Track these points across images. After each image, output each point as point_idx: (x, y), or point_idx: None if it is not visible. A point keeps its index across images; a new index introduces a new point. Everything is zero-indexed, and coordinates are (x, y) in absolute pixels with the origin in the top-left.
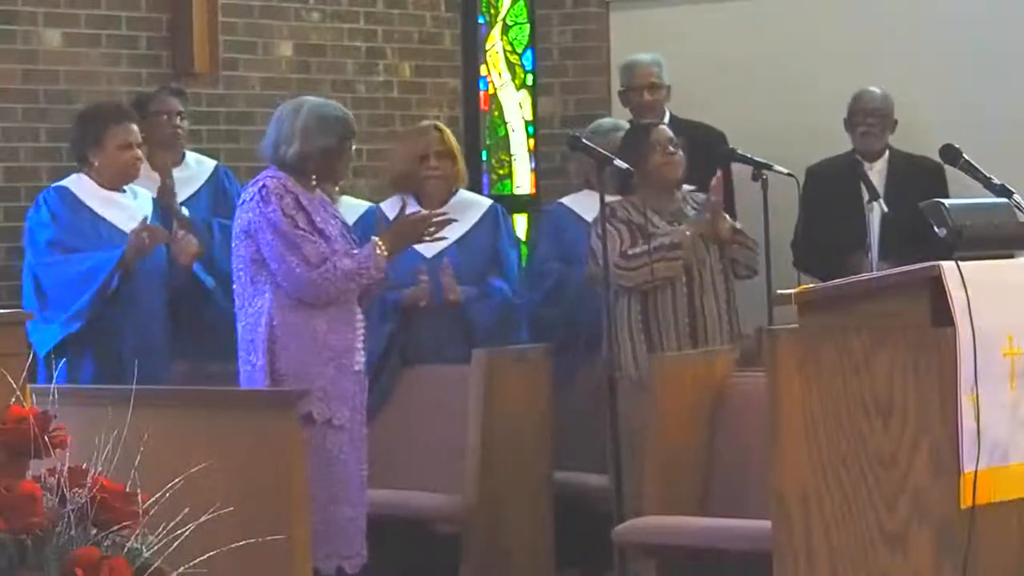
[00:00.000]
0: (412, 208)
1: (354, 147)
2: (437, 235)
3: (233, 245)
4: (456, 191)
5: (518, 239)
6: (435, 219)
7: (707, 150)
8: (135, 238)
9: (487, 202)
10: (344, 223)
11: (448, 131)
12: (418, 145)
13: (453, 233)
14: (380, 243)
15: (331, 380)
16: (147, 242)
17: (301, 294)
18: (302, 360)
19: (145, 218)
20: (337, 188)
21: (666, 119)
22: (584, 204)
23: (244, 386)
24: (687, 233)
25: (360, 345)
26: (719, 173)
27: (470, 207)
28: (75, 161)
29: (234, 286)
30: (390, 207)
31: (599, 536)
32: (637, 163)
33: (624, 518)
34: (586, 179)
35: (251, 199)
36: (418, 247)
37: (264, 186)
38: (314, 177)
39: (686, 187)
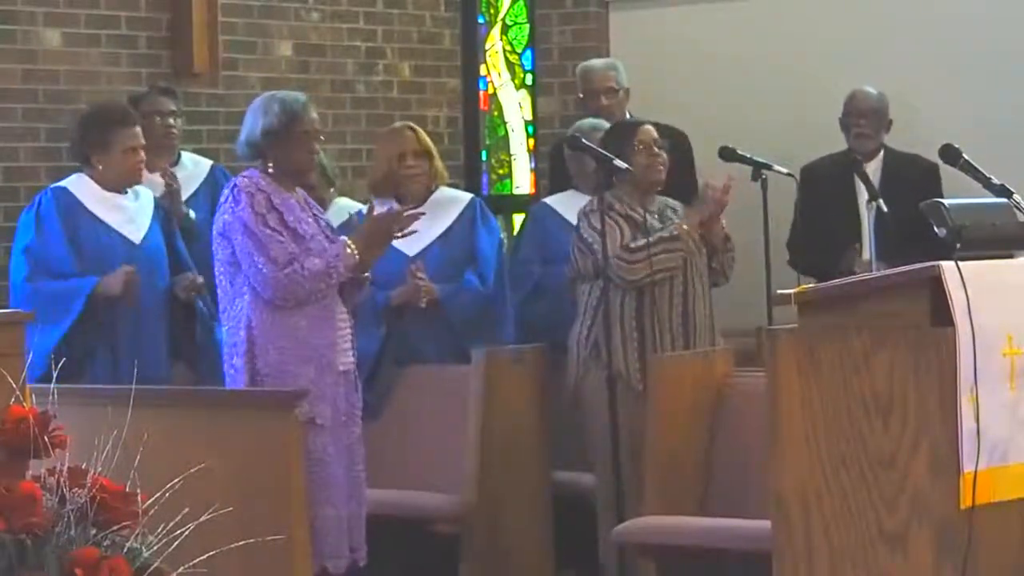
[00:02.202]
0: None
1: (314, 136)
2: (408, 231)
3: (213, 248)
4: (435, 189)
5: (499, 232)
6: (403, 215)
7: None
8: (121, 282)
9: (467, 196)
10: (328, 223)
11: (421, 131)
12: (395, 145)
13: (435, 230)
14: (350, 243)
15: (312, 380)
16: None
17: (269, 294)
18: (282, 360)
19: (132, 269)
20: (333, 189)
21: None
22: (568, 204)
23: (233, 385)
24: (684, 227)
25: (347, 345)
26: (728, 176)
27: (450, 203)
28: (76, 161)
29: (217, 290)
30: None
31: (598, 536)
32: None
33: (624, 518)
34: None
35: (225, 200)
36: (401, 246)
37: (235, 185)
38: (270, 166)
39: (669, 200)
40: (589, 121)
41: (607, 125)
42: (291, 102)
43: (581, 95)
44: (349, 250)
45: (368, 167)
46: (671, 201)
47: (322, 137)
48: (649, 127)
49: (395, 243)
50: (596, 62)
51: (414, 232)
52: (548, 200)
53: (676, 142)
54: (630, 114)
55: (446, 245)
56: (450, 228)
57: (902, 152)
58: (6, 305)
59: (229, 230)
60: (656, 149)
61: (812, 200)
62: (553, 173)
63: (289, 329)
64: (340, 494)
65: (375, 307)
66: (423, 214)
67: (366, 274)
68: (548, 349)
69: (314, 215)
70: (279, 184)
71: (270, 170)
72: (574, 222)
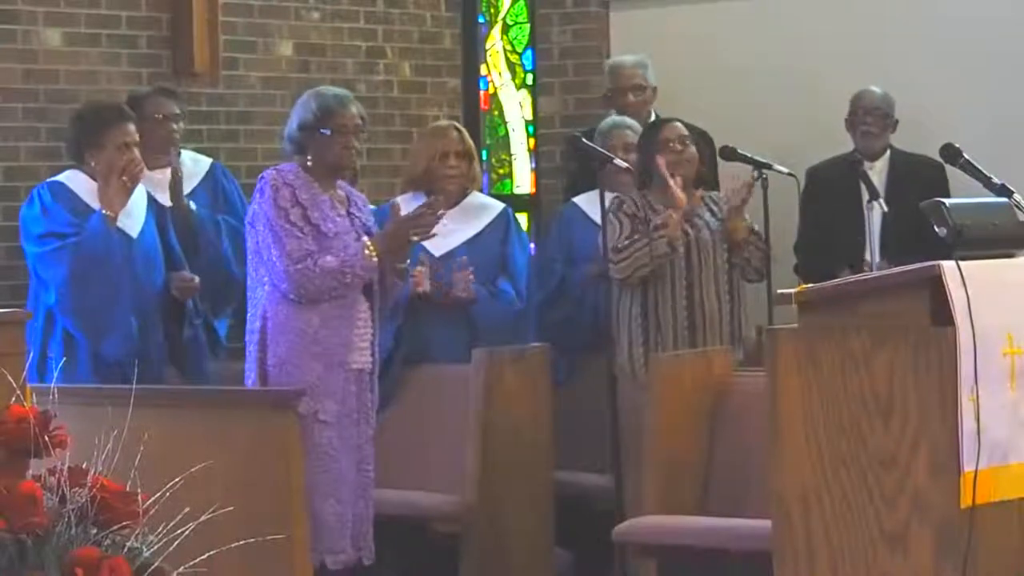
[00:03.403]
0: (406, 209)
1: (352, 132)
2: (428, 235)
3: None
4: (469, 192)
5: (528, 244)
6: (425, 218)
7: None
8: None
9: (499, 205)
10: (364, 223)
11: (466, 132)
12: (439, 144)
13: (464, 234)
14: (370, 244)
15: (319, 376)
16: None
17: (284, 288)
18: (290, 353)
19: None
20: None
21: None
22: (596, 203)
23: (247, 376)
24: (673, 215)
25: (364, 344)
26: (750, 176)
27: (482, 210)
28: (73, 160)
29: (247, 278)
30: (405, 203)
31: (599, 536)
32: (648, 161)
33: (624, 518)
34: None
35: (255, 191)
36: (427, 245)
37: (263, 177)
38: (309, 159)
39: (713, 193)
40: (612, 119)
41: (631, 123)
42: (328, 97)
43: (608, 92)
44: (367, 251)
45: (369, 166)
46: (715, 194)
47: (363, 134)
48: (676, 124)
49: (423, 242)
50: (626, 58)
51: (434, 236)
52: (577, 200)
53: (699, 143)
54: (655, 112)
55: (472, 251)
56: (479, 235)
57: (909, 152)
58: (8, 304)
59: (255, 220)
60: (680, 146)
61: (817, 202)
62: (572, 172)
63: (301, 324)
64: (345, 491)
65: (394, 303)
66: (443, 215)
67: (402, 265)
68: (568, 349)
69: (349, 213)
70: (315, 179)
71: (309, 164)
72: (598, 219)
